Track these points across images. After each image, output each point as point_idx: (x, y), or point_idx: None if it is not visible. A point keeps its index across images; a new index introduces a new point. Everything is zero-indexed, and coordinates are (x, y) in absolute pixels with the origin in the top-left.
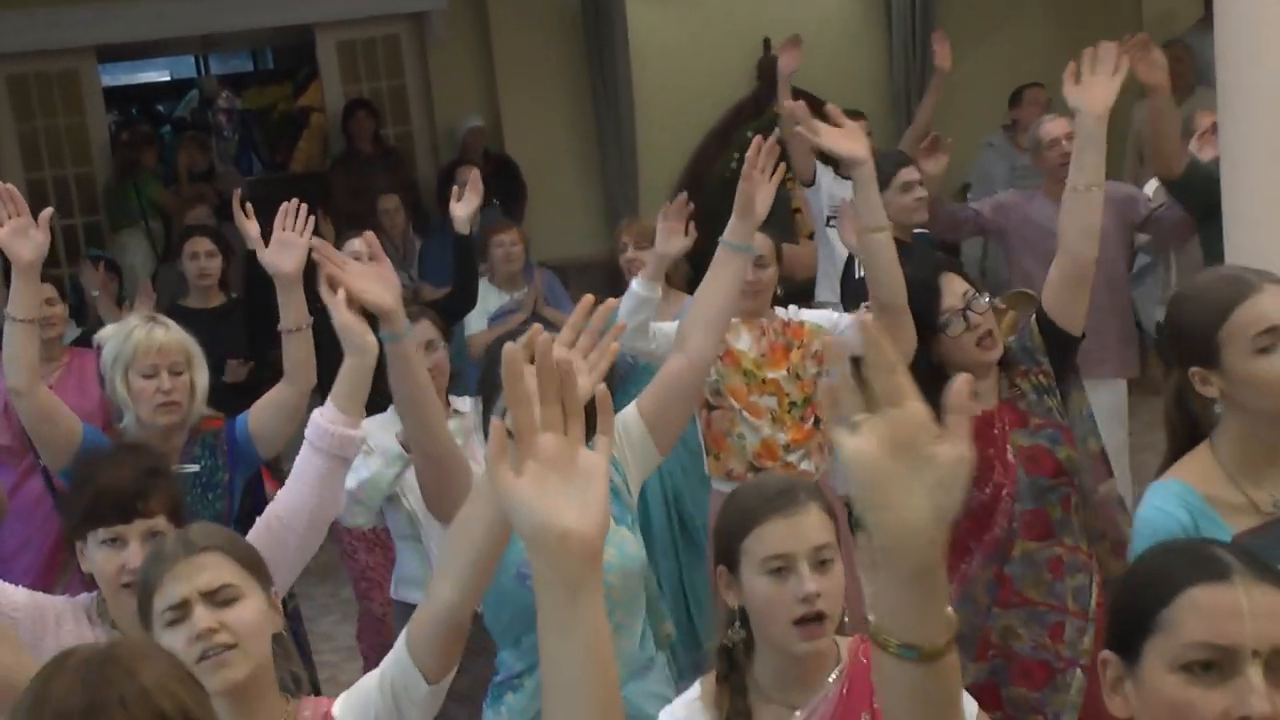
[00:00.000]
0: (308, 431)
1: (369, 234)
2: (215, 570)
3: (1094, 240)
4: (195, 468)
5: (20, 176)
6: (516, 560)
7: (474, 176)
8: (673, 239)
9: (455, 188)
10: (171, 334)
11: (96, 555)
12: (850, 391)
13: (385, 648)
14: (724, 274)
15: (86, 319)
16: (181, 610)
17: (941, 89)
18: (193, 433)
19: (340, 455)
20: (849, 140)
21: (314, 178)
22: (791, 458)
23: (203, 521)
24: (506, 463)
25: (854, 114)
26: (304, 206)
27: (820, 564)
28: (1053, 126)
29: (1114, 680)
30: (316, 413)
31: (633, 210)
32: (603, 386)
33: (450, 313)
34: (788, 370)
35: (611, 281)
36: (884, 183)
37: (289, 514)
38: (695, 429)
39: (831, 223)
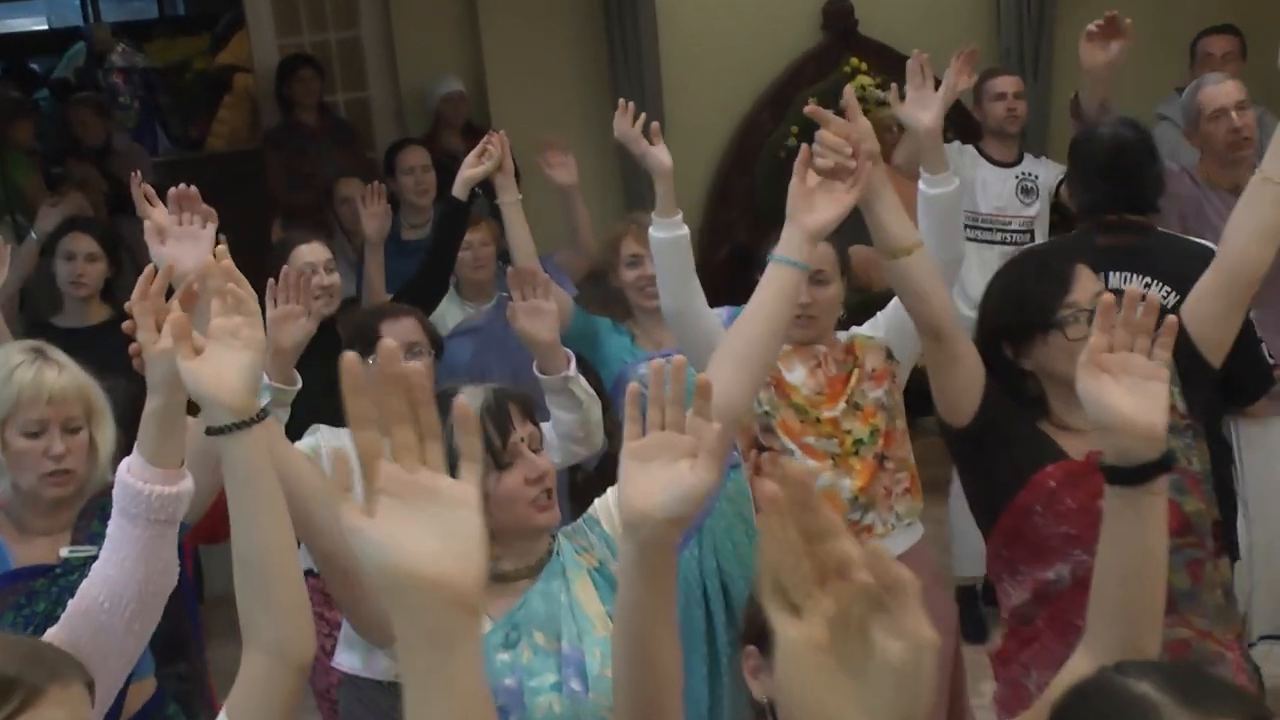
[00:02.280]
0: (116, 493)
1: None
2: None
3: (1272, 244)
4: (91, 550)
5: None
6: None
7: (499, 138)
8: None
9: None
10: (68, 376)
11: None
12: (793, 554)
13: None
14: (770, 298)
15: None
16: None
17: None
18: (89, 503)
19: (161, 519)
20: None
21: (240, 157)
22: (857, 515)
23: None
24: (351, 499)
25: (992, 73)
26: (193, 190)
27: None
28: (1218, 90)
29: None
30: (123, 469)
31: None
32: (462, 399)
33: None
34: (846, 402)
35: None
36: None
37: (111, 599)
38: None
39: (977, 235)
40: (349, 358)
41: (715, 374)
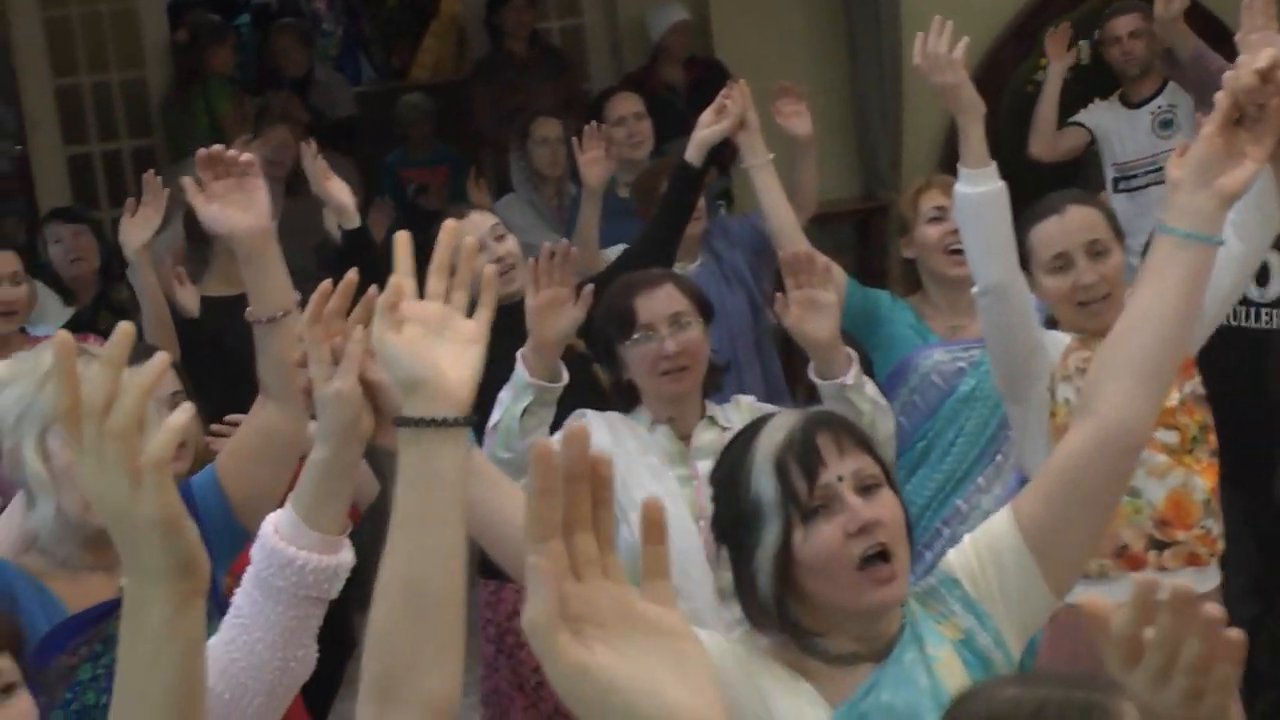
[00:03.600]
0: (255, 555)
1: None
2: None
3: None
4: None
5: (47, 81)
6: None
7: (740, 91)
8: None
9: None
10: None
11: None
12: None
13: None
14: (1176, 286)
15: (76, 297)
16: None
17: None
18: None
19: (312, 596)
20: None
21: (446, 89)
22: (1208, 523)
23: None
24: (566, 631)
25: (1114, 12)
26: (229, 153)
27: None
28: None
29: None
30: (268, 528)
31: (894, 142)
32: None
33: None
34: (1179, 392)
35: (863, 240)
36: None
37: (234, 690)
38: None
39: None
40: (544, 446)
41: (1108, 393)
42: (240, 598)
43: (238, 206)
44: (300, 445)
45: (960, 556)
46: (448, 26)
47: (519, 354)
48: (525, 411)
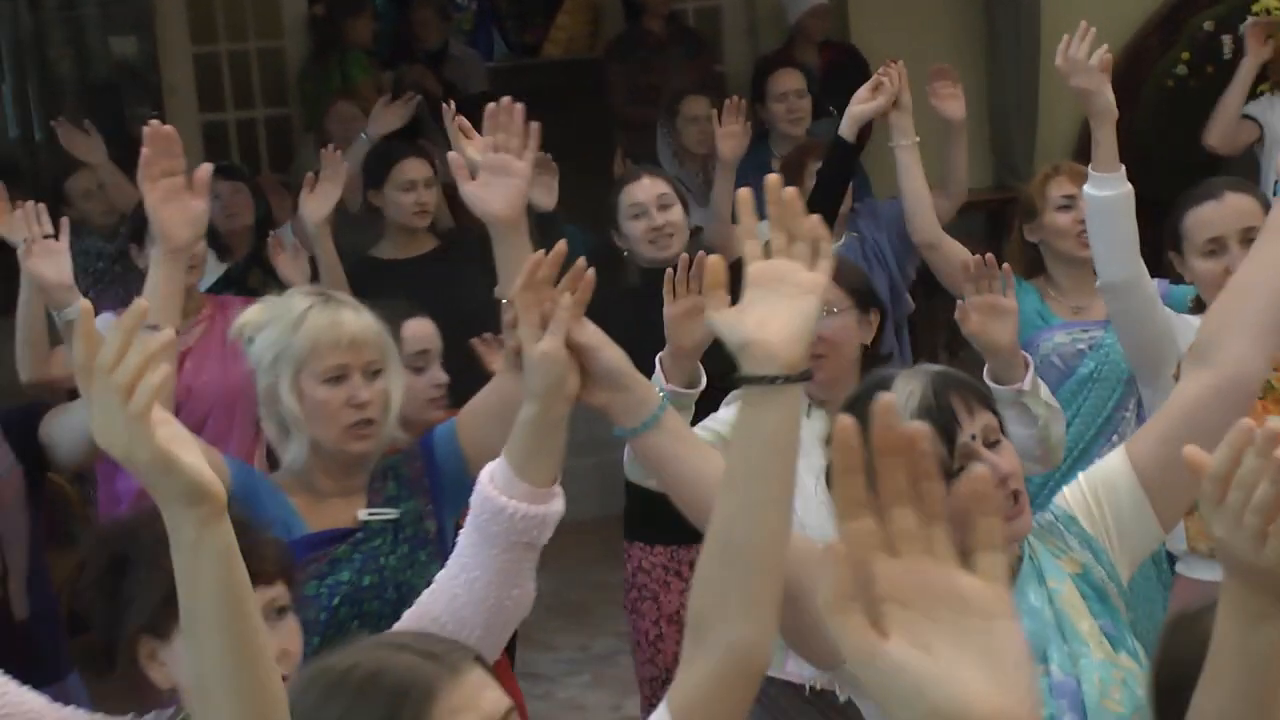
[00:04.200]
0: (474, 504)
1: None
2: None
3: None
4: (394, 513)
5: (185, 51)
6: None
7: (897, 70)
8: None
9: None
10: (366, 318)
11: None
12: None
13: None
14: None
15: (231, 253)
16: None
17: None
18: (380, 465)
19: (523, 542)
20: None
21: (580, 66)
22: None
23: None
24: (859, 613)
25: None
26: (517, 107)
27: None
28: None
29: None
30: (485, 478)
31: (1029, 134)
32: (979, 471)
33: None
34: None
35: (995, 230)
36: None
37: (455, 621)
38: None
39: None
40: (845, 424)
41: (1228, 344)
42: (463, 539)
43: (495, 190)
44: None
45: (1075, 494)
46: (582, 4)
47: (657, 358)
48: None
